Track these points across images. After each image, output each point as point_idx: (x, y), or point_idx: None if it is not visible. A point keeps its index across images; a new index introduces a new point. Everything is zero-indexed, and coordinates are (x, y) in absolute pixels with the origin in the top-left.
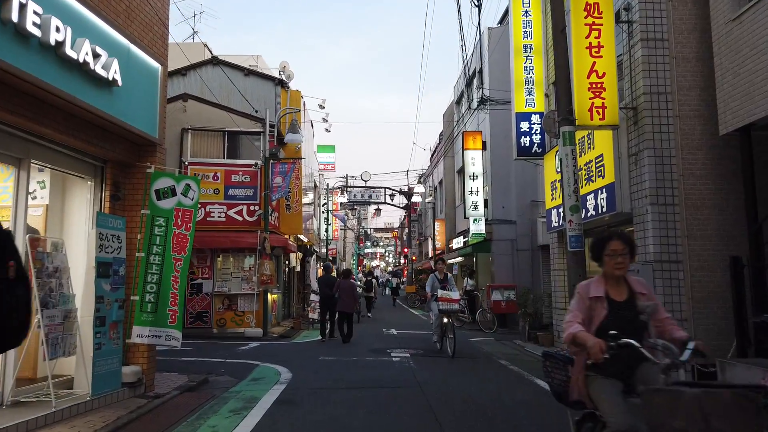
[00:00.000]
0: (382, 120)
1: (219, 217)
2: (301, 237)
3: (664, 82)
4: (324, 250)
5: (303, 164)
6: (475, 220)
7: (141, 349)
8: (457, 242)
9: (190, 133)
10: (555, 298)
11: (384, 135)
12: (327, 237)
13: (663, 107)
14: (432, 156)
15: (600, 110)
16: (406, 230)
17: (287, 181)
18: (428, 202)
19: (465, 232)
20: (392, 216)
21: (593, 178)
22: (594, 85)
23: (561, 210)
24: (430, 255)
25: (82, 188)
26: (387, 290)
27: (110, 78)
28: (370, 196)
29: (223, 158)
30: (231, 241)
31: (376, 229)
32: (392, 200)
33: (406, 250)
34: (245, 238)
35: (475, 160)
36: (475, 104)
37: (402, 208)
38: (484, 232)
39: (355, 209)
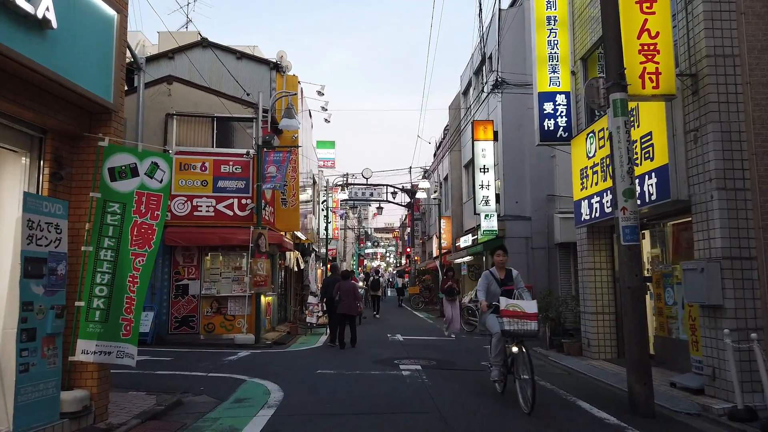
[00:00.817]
0: (383, 120)
1: (207, 211)
2: (299, 234)
3: (731, 42)
4: (324, 250)
5: (300, 155)
6: (486, 216)
7: (90, 368)
8: (465, 240)
9: (175, 119)
10: (584, 301)
11: (385, 133)
12: (327, 236)
13: (730, 73)
14: (436, 152)
15: (653, 77)
16: (408, 230)
17: (283, 172)
18: (433, 199)
19: (474, 230)
20: (393, 216)
21: (638, 161)
22: (645, 47)
23: (594, 200)
24: (434, 254)
25: (15, 165)
26: (389, 291)
27: (39, 15)
28: (372, 194)
29: (212, 147)
30: (220, 238)
31: (377, 230)
32: (394, 198)
33: (408, 249)
34: (236, 235)
35: (486, 152)
36: (487, 89)
37: (404, 206)
38: (496, 228)
39: (356, 208)
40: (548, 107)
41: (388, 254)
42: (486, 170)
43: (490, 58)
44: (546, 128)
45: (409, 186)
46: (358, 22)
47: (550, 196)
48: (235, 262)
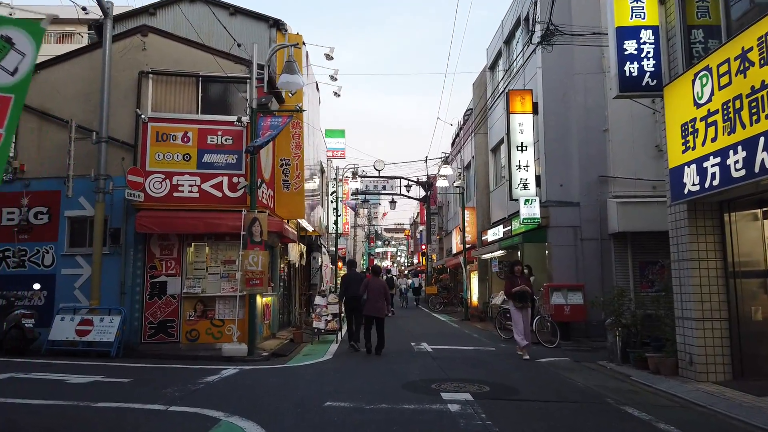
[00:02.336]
0: (391, 121)
1: (190, 192)
2: (305, 225)
3: None
4: (333, 248)
5: (306, 129)
6: (526, 201)
7: None
8: (494, 233)
9: (151, 79)
10: (683, 303)
11: (396, 134)
12: (336, 231)
13: None
14: (454, 140)
15: None
16: (421, 228)
17: (280, 129)
18: (456, 187)
19: (505, 221)
20: (403, 216)
21: (759, 118)
22: None
23: (710, 163)
24: (454, 251)
25: None
26: (407, 291)
27: None
28: (384, 187)
29: (197, 113)
30: (206, 225)
31: (386, 229)
32: (408, 192)
33: (424, 246)
34: (226, 221)
35: (523, 127)
36: (533, 41)
37: (420, 200)
38: (538, 216)
39: (367, 202)
40: (630, 46)
41: (399, 254)
42: (524, 148)
43: (526, 20)
44: (628, 74)
45: (424, 179)
46: (359, 23)
47: (603, 178)
48: (225, 254)
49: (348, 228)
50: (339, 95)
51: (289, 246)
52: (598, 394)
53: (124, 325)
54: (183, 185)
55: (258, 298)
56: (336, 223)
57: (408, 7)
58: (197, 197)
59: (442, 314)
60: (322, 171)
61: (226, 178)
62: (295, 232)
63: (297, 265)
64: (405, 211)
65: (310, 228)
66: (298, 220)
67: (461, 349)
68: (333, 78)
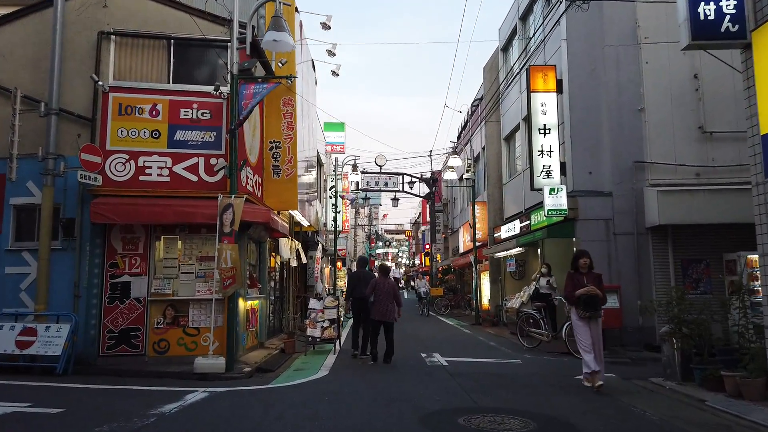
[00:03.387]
0: (391, 124)
1: (160, 175)
2: (299, 218)
3: None
4: (333, 246)
5: (300, 113)
6: (551, 190)
7: None
8: (509, 229)
9: (113, 42)
10: None
11: (396, 133)
12: (335, 228)
13: None
14: (461, 133)
15: None
16: (422, 228)
17: (262, 95)
18: (466, 179)
19: (522, 216)
20: (403, 216)
21: None
22: None
23: None
24: (461, 250)
25: None
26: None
27: None
28: (386, 184)
29: (168, 82)
30: (177, 214)
31: (387, 231)
32: (411, 188)
33: (428, 246)
34: (200, 209)
35: (546, 107)
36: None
37: (423, 197)
38: (565, 207)
39: (368, 199)
40: None
41: (400, 254)
42: (547, 131)
43: None
44: (703, 17)
45: (428, 175)
46: (360, 24)
47: (638, 164)
48: (201, 249)
49: (348, 226)
50: (338, 74)
51: (281, 242)
52: (682, 431)
53: (74, 335)
54: (151, 167)
55: (241, 302)
56: (335, 220)
57: (408, 8)
58: (168, 181)
59: (450, 318)
60: (320, 164)
61: (202, 159)
62: (287, 225)
63: (292, 264)
64: (406, 209)
65: (305, 222)
66: (292, 213)
67: (482, 362)
68: (331, 53)
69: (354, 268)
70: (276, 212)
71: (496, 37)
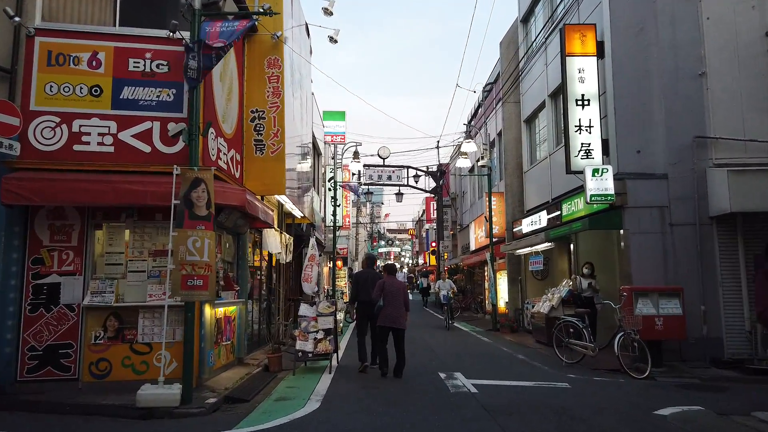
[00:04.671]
0: (391, 125)
1: (101, 144)
2: (291, 207)
3: None
4: (332, 244)
5: (290, 79)
6: (595, 172)
7: None
8: (531, 223)
9: None
10: None
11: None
12: (334, 223)
13: None
14: (473, 117)
15: None
16: (426, 227)
17: (232, 37)
18: (481, 167)
19: (550, 206)
20: (406, 214)
21: None
22: None
23: None
24: (472, 247)
25: None
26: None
27: None
28: (389, 178)
29: (113, 25)
30: (119, 193)
31: (389, 230)
32: (416, 182)
33: (434, 244)
34: (152, 186)
35: (585, 74)
36: None
37: (429, 191)
38: (612, 192)
39: (370, 193)
40: None
41: (403, 253)
42: (586, 103)
43: None
44: None
45: (434, 168)
46: (361, 25)
47: (700, 140)
48: (157, 240)
49: (348, 222)
50: (336, 41)
51: (265, 234)
52: None
53: None
54: (89, 134)
55: (207, 310)
56: (334, 214)
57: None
58: (112, 153)
59: (462, 322)
60: (317, 152)
61: (157, 125)
62: (272, 213)
63: (281, 260)
64: (409, 205)
65: (298, 213)
66: (281, 201)
67: (519, 386)
68: (328, 12)
69: (356, 269)
70: (260, 198)
71: (511, 10)
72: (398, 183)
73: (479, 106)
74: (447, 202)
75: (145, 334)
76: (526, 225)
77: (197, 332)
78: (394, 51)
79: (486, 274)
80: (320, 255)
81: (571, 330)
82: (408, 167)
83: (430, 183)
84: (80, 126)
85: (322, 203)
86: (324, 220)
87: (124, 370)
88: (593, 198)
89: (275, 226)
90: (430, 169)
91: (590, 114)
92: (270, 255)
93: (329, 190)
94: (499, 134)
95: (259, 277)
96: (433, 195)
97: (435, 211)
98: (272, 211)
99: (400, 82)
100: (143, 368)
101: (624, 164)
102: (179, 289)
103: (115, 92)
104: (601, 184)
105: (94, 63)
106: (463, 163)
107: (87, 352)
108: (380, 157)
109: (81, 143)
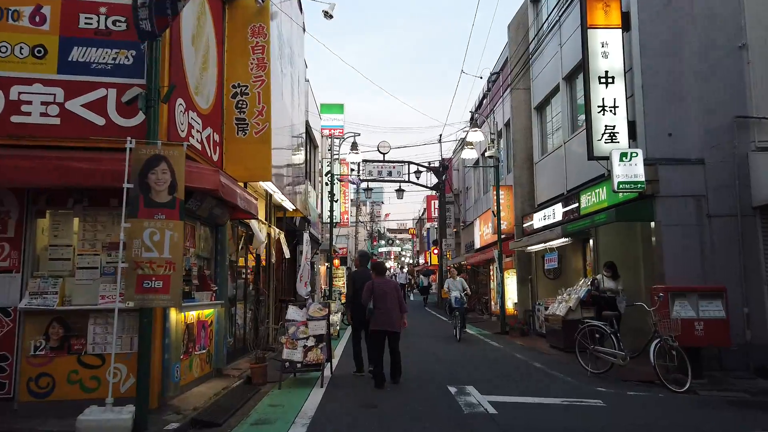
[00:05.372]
0: (393, 123)
1: (45, 115)
2: (279, 197)
3: None
4: (329, 240)
5: (277, 52)
6: (623, 156)
7: None
8: (544, 217)
9: None
10: None
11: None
12: (332, 219)
13: None
14: (480, 104)
15: None
16: (427, 226)
17: None
18: (489, 158)
19: (566, 198)
20: (406, 212)
21: None
22: None
23: None
24: (477, 245)
25: None
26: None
27: None
28: (390, 173)
29: None
30: (70, 173)
31: (389, 230)
32: (418, 178)
33: (435, 247)
34: (105, 164)
35: (609, 48)
36: None
37: (432, 188)
38: (642, 179)
39: (370, 190)
40: None
41: (403, 252)
42: (610, 80)
43: None
44: None
45: (436, 164)
46: (360, 25)
47: (741, 120)
48: (111, 231)
49: (347, 218)
50: (332, 16)
51: (255, 227)
52: None
53: None
54: (30, 102)
55: (173, 314)
56: (331, 209)
57: (408, 9)
58: (58, 125)
59: (467, 324)
60: (313, 144)
61: (113, 92)
62: (254, 201)
63: (261, 254)
64: (409, 203)
65: (289, 206)
66: (269, 190)
67: (544, 403)
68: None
69: (355, 268)
70: (243, 185)
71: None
72: (399, 179)
73: (484, 96)
74: (450, 199)
75: (97, 343)
76: (538, 220)
77: (159, 342)
78: (394, 51)
79: (492, 273)
80: (317, 253)
81: (597, 335)
82: (409, 162)
83: (431, 180)
84: (19, 93)
85: (319, 199)
86: (321, 216)
87: (71, 387)
88: (621, 186)
89: (259, 216)
90: (432, 165)
91: (615, 93)
92: (253, 251)
93: (326, 185)
94: (507, 124)
95: (245, 276)
96: (435, 192)
97: (436, 210)
98: (256, 200)
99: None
100: (93, 385)
101: (654, 149)
102: (133, 293)
103: (62, 54)
104: (630, 171)
105: (37, 18)
106: (469, 155)
107: (25, 366)
108: (380, 152)
109: (20, 114)
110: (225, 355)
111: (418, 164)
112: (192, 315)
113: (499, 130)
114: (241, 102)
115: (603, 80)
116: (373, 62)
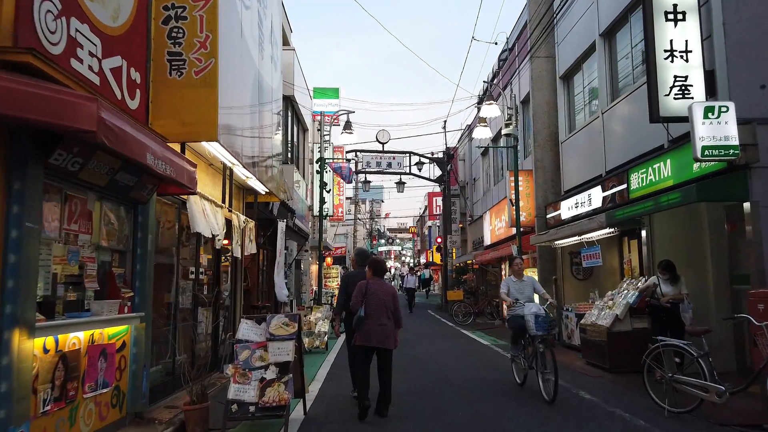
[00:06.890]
0: (391, 122)
1: None
2: (240, 170)
3: None
4: (320, 236)
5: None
6: (709, 111)
7: None
8: (576, 204)
9: None
10: None
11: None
12: (321, 211)
13: None
14: (493, 78)
15: None
16: (428, 224)
17: None
18: (506, 135)
19: (605, 181)
20: (407, 209)
21: None
22: None
23: None
24: (488, 241)
25: None
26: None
27: None
28: (389, 165)
29: None
30: None
31: (390, 230)
32: (420, 170)
33: (439, 239)
34: None
35: None
36: None
37: (435, 180)
38: (736, 142)
39: (368, 182)
40: None
41: (404, 251)
42: (680, 16)
43: None
44: None
45: (440, 155)
46: (360, 25)
47: None
48: None
49: (341, 212)
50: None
51: (192, 204)
52: None
53: None
54: None
55: (15, 340)
56: (321, 198)
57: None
58: None
59: (475, 331)
60: (302, 126)
61: None
62: (190, 168)
63: (238, 254)
64: (410, 201)
65: (261, 188)
66: (228, 162)
67: None
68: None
69: (353, 269)
70: (180, 148)
71: None
72: (399, 171)
73: (498, 70)
74: (455, 191)
75: None
76: (567, 209)
77: None
78: (393, 51)
79: (504, 272)
80: (307, 250)
81: (678, 360)
82: (411, 153)
83: (435, 172)
84: None
85: (309, 190)
86: (311, 208)
87: None
88: (706, 152)
89: (205, 193)
90: (435, 156)
91: (687, 33)
92: (204, 243)
93: (317, 172)
94: (525, 101)
95: (205, 280)
96: (438, 187)
97: (438, 207)
98: (195, 166)
99: (399, 83)
100: None
101: (743, 106)
102: None
103: None
104: (718, 131)
105: None
106: (483, 134)
107: None
108: (379, 141)
109: None
110: (147, 391)
111: (420, 155)
112: (76, 338)
113: (514, 107)
114: (175, 30)
115: (671, 16)
116: (373, 62)
